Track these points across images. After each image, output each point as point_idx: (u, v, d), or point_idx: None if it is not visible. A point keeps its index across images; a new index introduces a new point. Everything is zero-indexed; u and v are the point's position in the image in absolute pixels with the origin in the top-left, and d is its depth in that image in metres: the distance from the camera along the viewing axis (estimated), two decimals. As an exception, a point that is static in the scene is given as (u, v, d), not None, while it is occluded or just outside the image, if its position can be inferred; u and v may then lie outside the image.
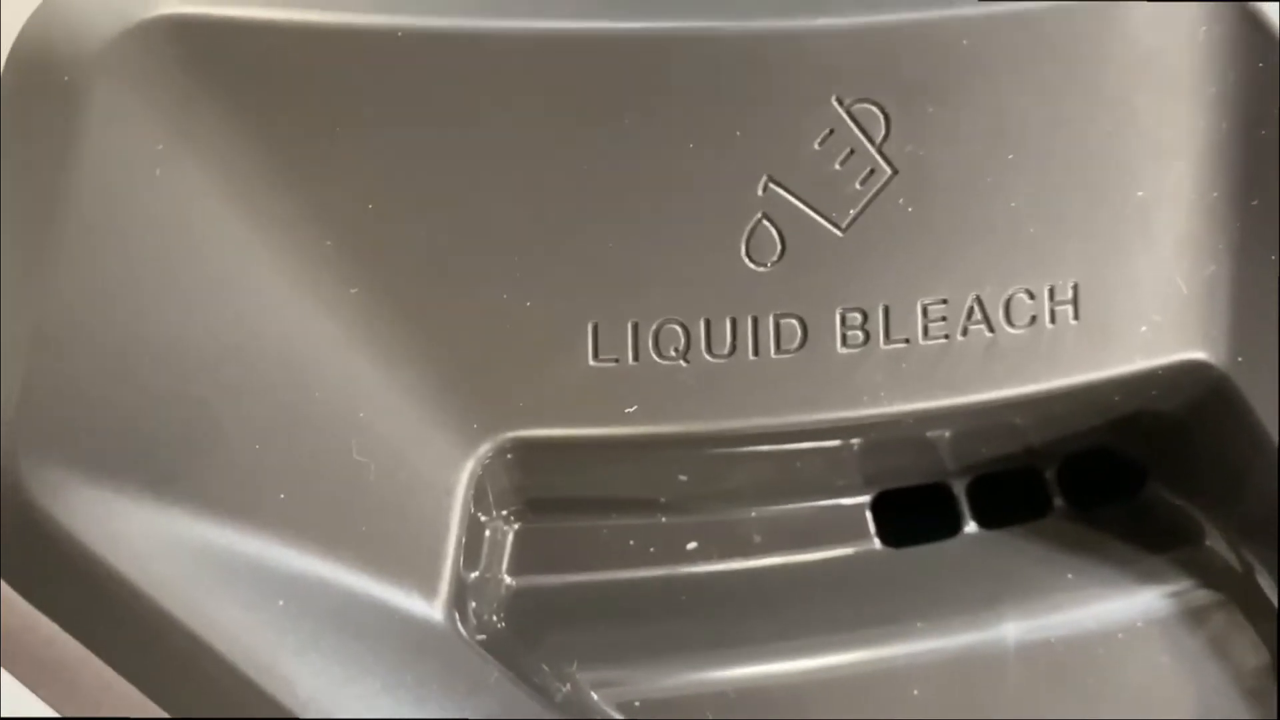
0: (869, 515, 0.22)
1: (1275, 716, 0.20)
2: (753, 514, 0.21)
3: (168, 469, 0.16)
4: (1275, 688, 0.21)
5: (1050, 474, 0.23)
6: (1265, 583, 0.21)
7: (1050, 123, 0.18)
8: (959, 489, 0.22)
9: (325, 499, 0.17)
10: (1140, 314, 0.19)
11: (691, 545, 0.21)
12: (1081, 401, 0.19)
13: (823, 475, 0.21)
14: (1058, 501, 0.22)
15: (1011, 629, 0.20)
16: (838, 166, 0.18)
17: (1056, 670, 0.20)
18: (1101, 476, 0.23)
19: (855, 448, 0.20)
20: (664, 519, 0.21)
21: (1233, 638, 0.21)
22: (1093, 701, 0.20)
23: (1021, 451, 0.22)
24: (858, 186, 0.18)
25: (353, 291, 0.17)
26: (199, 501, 0.16)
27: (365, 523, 0.17)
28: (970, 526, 0.22)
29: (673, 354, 0.18)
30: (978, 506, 0.22)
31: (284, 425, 0.17)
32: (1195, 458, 0.21)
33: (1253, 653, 0.21)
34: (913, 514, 0.22)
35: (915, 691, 0.19)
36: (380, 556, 0.17)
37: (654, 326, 0.17)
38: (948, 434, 0.20)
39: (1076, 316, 0.19)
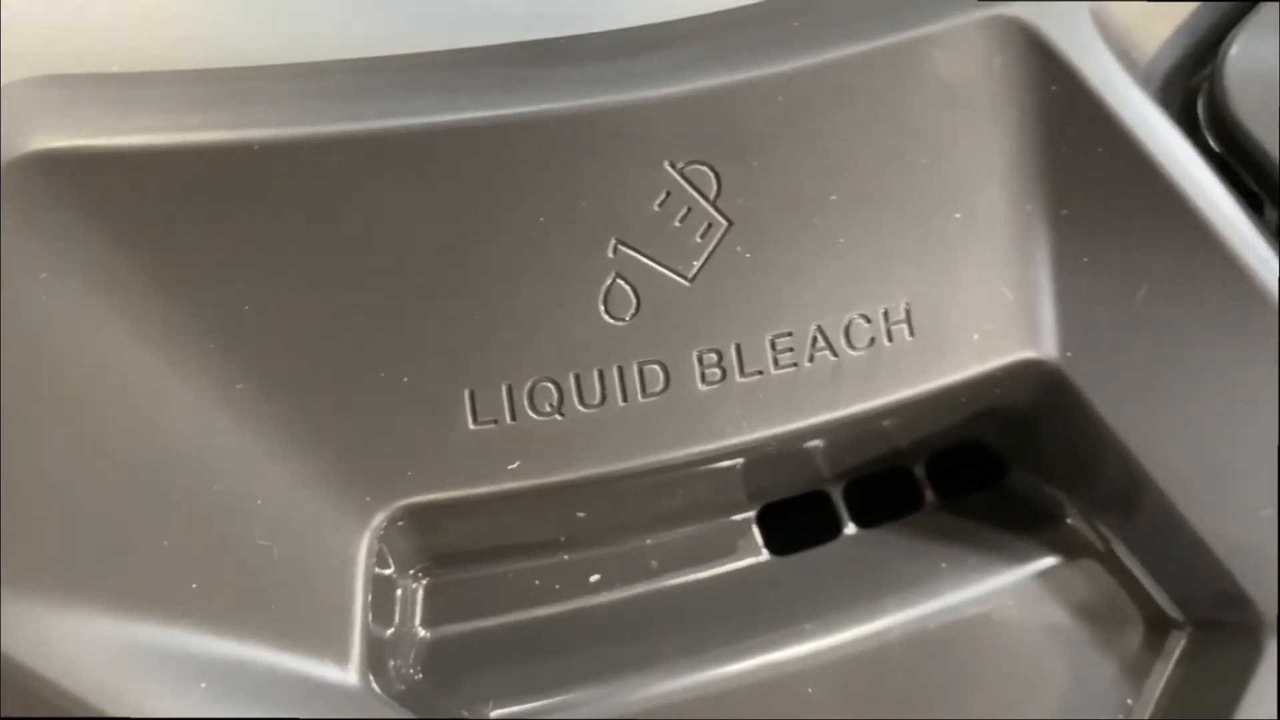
0: (756, 529, 0.23)
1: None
2: (649, 541, 0.22)
3: (84, 576, 0.17)
4: (1142, 641, 0.23)
5: (919, 471, 0.24)
6: (1121, 552, 0.23)
7: (868, 160, 0.20)
8: (836, 494, 0.24)
9: (234, 584, 0.18)
10: (971, 323, 0.20)
11: (594, 578, 0.22)
12: (931, 407, 0.21)
13: (708, 498, 0.22)
14: (929, 496, 0.24)
15: (893, 619, 0.22)
16: (678, 224, 0.19)
17: (938, 651, 0.22)
18: (968, 468, 0.24)
19: (734, 471, 0.21)
20: (566, 557, 0.22)
21: (1097, 603, 0.23)
22: (975, 675, 0.22)
23: (890, 453, 0.24)
24: (698, 240, 0.19)
25: (239, 388, 0.18)
26: (118, 602, 0.17)
27: (275, 601, 0.18)
28: (850, 528, 0.23)
29: (548, 409, 0.19)
30: (855, 508, 0.24)
31: (188, 521, 0.18)
32: (1047, 445, 0.23)
33: (1115, 614, 0.23)
34: (796, 522, 0.23)
35: (810, 689, 0.21)
36: (292, 631, 0.18)
37: (527, 386, 0.19)
38: (816, 448, 0.22)
39: (912, 333, 0.20)
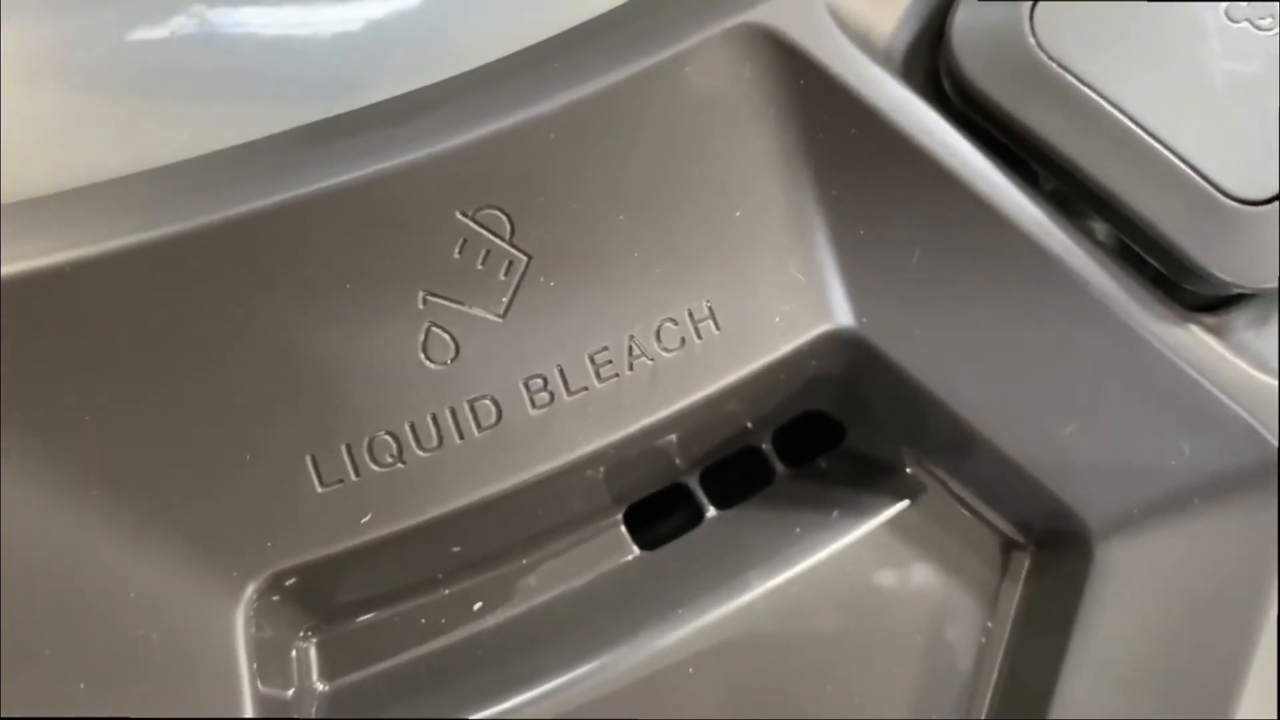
0: (624, 530, 0.24)
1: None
2: (524, 561, 0.24)
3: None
4: (991, 567, 0.24)
5: (766, 446, 0.26)
6: (958, 489, 0.24)
7: (647, 178, 0.21)
8: (694, 483, 0.25)
9: (120, 676, 0.18)
10: (771, 309, 0.22)
11: (477, 605, 0.23)
12: (754, 389, 0.22)
13: (572, 511, 0.23)
14: (779, 468, 0.25)
15: (758, 589, 0.23)
16: (480, 266, 0.20)
17: (805, 611, 0.23)
18: (810, 435, 0.26)
19: (589, 480, 0.23)
20: (446, 591, 0.23)
21: (945, 540, 0.24)
22: (843, 628, 0.23)
23: (736, 435, 0.25)
24: (502, 278, 0.20)
25: (94, 493, 0.19)
26: (13, 711, 0.18)
27: (163, 686, 0.19)
28: (711, 512, 0.25)
29: (389, 460, 0.20)
30: (713, 493, 0.25)
31: (67, 626, 0.18)
32: (872, 403, 0.24)
33: (964, 546, 0.24)
34: (661, 516, 0.25)
35: (691, 670, 0.22)
36: (183, 711, 0.19)
37: (366, 443, 0.20)
38: (662, 445, 0.23)
39: (718, 328, 0.21)
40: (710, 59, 0.21)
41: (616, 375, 0.21)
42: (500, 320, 0.20)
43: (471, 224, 0.20)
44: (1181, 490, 0.21)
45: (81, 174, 0.19)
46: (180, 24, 0.21)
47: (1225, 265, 0.20)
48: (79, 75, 0.20)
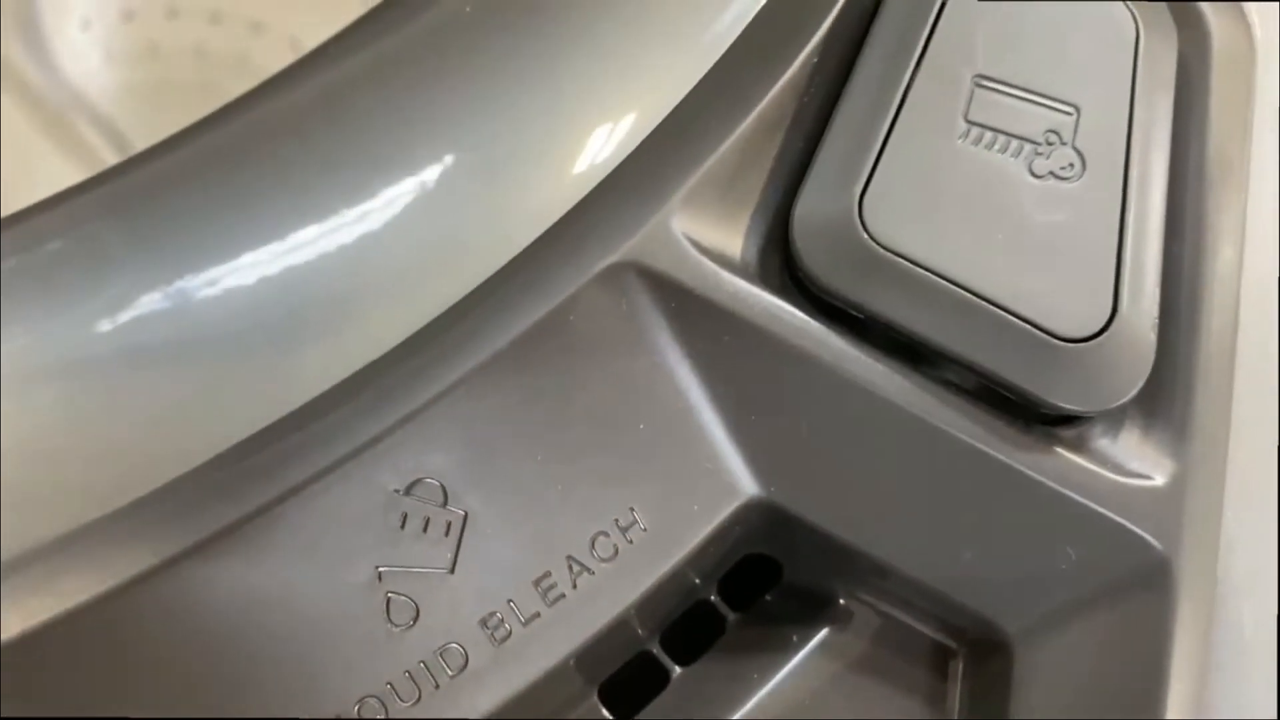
0: (600, 705, 0.27)
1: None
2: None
3: None
4: (933, 674, 0.27)
5: (715, 598, 0.28)
6: (889, 609, 0.26)
7: (556, 415, 0.23)
8: (655, 647, 0.27)
9: None
10: (689, 499, 0.24)
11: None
12: (691, 565, 0.25)
13: (552, 703, 0.26)
14: (730, 615, 0.28)
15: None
16: (424, 532, 0.22)
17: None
18: (752, 575, 0.28)
19: (560, 678, 0.25)
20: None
21: (888, 656, 0.26)
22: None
23: (686, 595, 0.27)
24: (445, 537, 0.23)
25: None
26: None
27: None
28: (676, 671, 0.27)
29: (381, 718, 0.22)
30: (674, 652, 0.27)
31: None
32: (798, 547, 0.27)
33: (904, 660, 0.27)
34: (632, 684, 0.27)
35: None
36: None
37: (355, 710, 0.22)
38: (620, 629, 0.25)
39: (645, 528, 0.24)
40: (590, 302, 0.23)
41: (563, 595, 0.23)
42: (450, 573, 0.22)
43: (407, 499, 0.22)
44: (1083, 593, 0.24)
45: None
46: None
47: (1068, 397, 0.23)
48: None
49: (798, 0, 0.25)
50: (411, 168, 0.23)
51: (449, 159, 0.24)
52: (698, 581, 0.27)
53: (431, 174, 0.23)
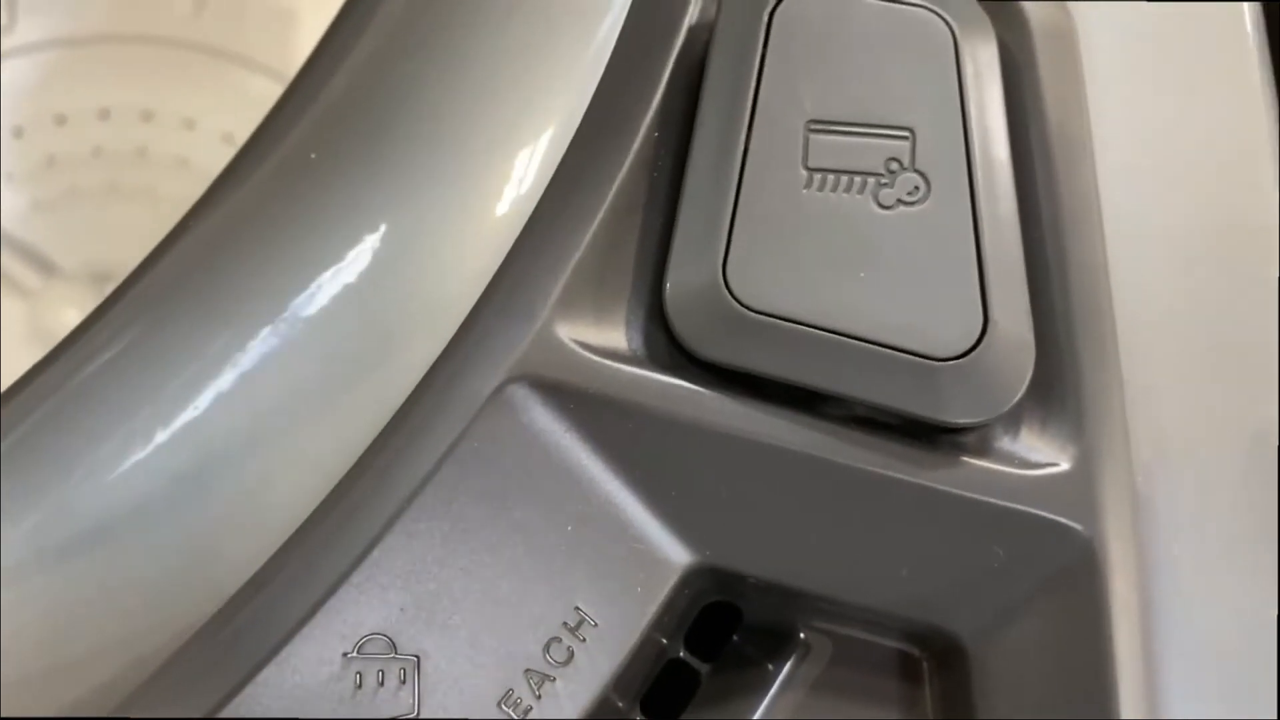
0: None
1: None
2: None
3: None
4: (905, 684, 0.27)
5: (684, 654, 0.28)
6: (850, 633, 0.27)
7: (484, 537, 0.24)
8: (637, 716, 0.28)
9: None
10: (630, 584, 0.24)
11: None
12: (651, 637, 0.25)
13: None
14: (701, 668, 0.28)
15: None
16: (381, 685, 0.23)
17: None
18: (715, 622, 0.29)
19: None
20: None
21: (860, 677, 0.27)
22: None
23: (655, 660, 0.28)
24: (402, 684, 0.23)
25: None
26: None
27: None
28: (659, 735, 0.28)
29: None
30: (656, 715, 0.28)
31: None
32: (749, 590, 0.27)
33: (879, 675, 0.27)
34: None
35: None
36: None
37: None
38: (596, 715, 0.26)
39: (595, 623, 0.24)
40: (491, 425, 0.24)
41: (530, 708, 0.24)
42: (415, 717, 0.23)
43: (358, 658, 0.23)
44: (1022, 586, 0.24)
45: None
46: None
47: (957, 413, 0.23)
48: None
49: (627, 80, 0.26)
50: (281, 338, 0.23)
51: (319, 313, 0.24)
52: (665, 642, 0.28)
53: (301, 340, 0.23)
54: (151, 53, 0.79)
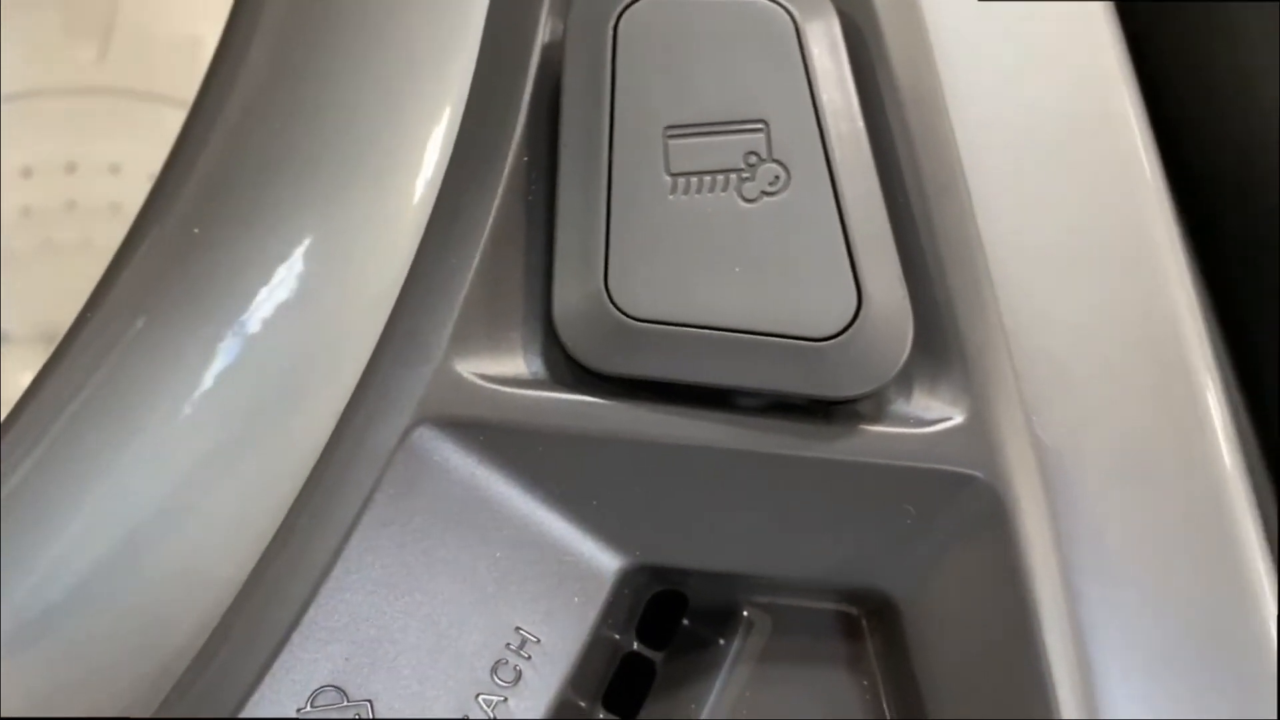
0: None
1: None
2: None
3: None
4: (849, 643, 0.28)
5: (637, 646, 0.29)
6: (788, 603, 0.28)
7: (420, 583, 0.24)
8: (601, 714, 0.29)
9: None
10: (567, 597, 0.25)
11: None
12: (598, 639, 0.26)
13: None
14: (655, 657, 0.29)
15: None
16: (338, 733, 0.24)
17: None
18: (663, 609, 0.30)
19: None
20: None
21: (806, 644, 0.28)
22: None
23: (609, 659, 0.29)
24: (359, 728, 0.24)
25: None
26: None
27: None
28: (625, 727, 0.29)
29: None
30: (618, 709, 0.29)
31: None
32: (687, 578, 0.28)
33: (825, 637, 0.28)
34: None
35: None
36: None
37: None
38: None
39: (538, 640, 0.25)
40: (405, 469, 0.24)
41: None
42: (379, 746, 0.24)
43: (312, 710, 0.23)
44: (938, 539, 0.25)
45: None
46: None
47: (845, 387, 0.24)
48: None
49: (489, 110, 0.26)
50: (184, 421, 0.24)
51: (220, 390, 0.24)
52: (617, 638, 0.29)
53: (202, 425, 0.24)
54: (64, 105, 0.79)
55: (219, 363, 0.24)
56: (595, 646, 0.27)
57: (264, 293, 0.25)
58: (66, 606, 0.24)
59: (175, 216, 0.26)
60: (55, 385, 0.23)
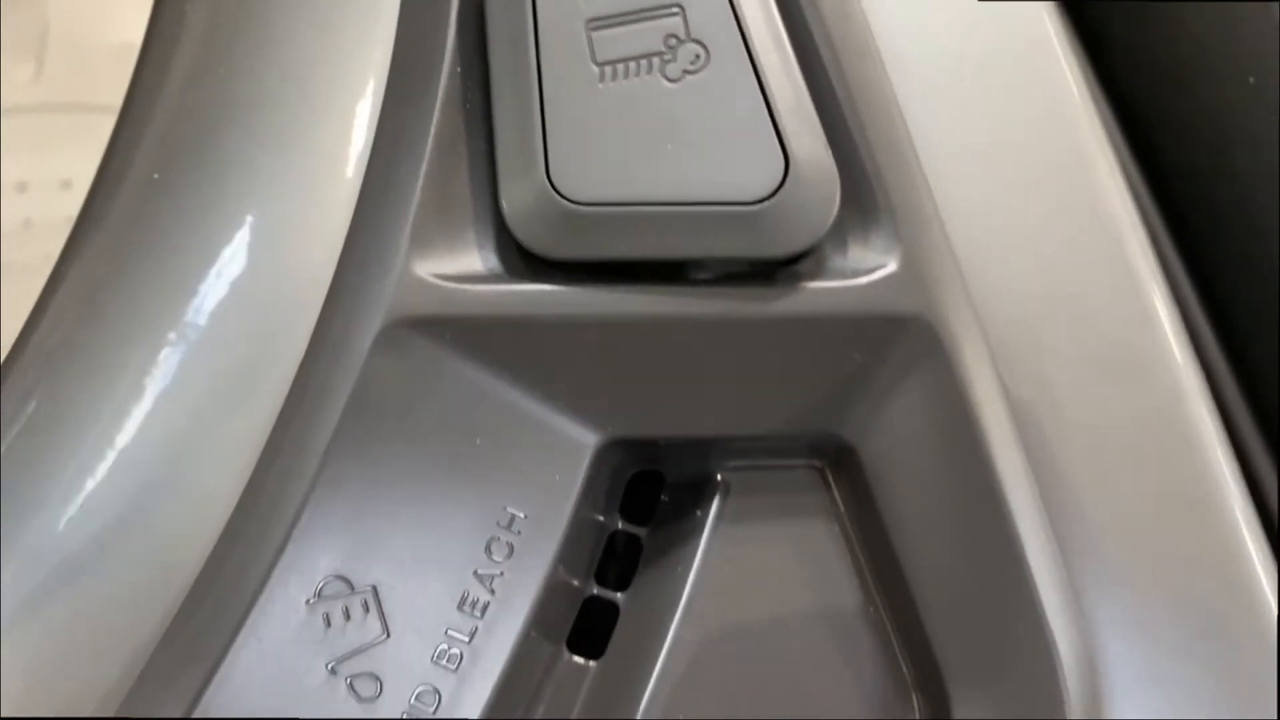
0: (573, 657, 0.30)
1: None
2: None
3: None
4: (816, 489, 0.30)
5: (621, 525, 0.31)
6: (756, 462, 0.29)
7: (403, 474, 0.26)
8: (593, 589, 0.30)
9: None
10: (550, 471, 0.27)
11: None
12: (585, 515, 0.28)
13: (534, 676, 0.29)
14: (640, 532, 0.31)
15: (687, 623, 0.29)
16: (348, 619, 0.25)
17: (732, 607, 0.29)
18: (642, 487, 0.31)
19: (525, 656, 0.28)
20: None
21: (779, 501, 0.30)
22: (762, 595, 0.29)
23: (596, 537, 0.30)
24: (367, 613, 0.25)
25: None
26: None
27: None
28: (619, 598, 0.30)
29: None
30: (611, 584, 0.30)
31: None
32: (660, 451, 0.30)
33: (794, 489, 0.30)
34: (590, 627, 0.30)
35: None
36: None
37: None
38: (552, 596, 0.28)
39: (526, 515, 0.27)
40: (380, 369, 0.26)
41: (488, 604, 0.26)
42: (388, 638, 0.25)
43: (321, 601, 0.25)
44: (886, 381, 0.27)
45: None
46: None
47: (782, 246, 0.25)
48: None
49: (420, 27, 0.27)
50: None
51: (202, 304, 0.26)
52: (602, 519, 0.30)
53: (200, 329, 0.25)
54: (6, 125, 0.78)
55: (199, 300, 0.26)
56: (582, 524, 0.28)
57: (228, 231, 0.26)
58: (82, 555, 0.25)
59: (136, 167, 0.27)
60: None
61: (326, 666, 0.24)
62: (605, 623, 0.30)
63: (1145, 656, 0.27)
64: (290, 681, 0.24)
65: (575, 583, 0.30)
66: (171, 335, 0.26)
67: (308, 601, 0.24)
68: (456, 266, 0.26)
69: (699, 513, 0.30)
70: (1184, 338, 0.28)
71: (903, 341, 0.26)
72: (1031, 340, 0.28)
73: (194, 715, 0.24)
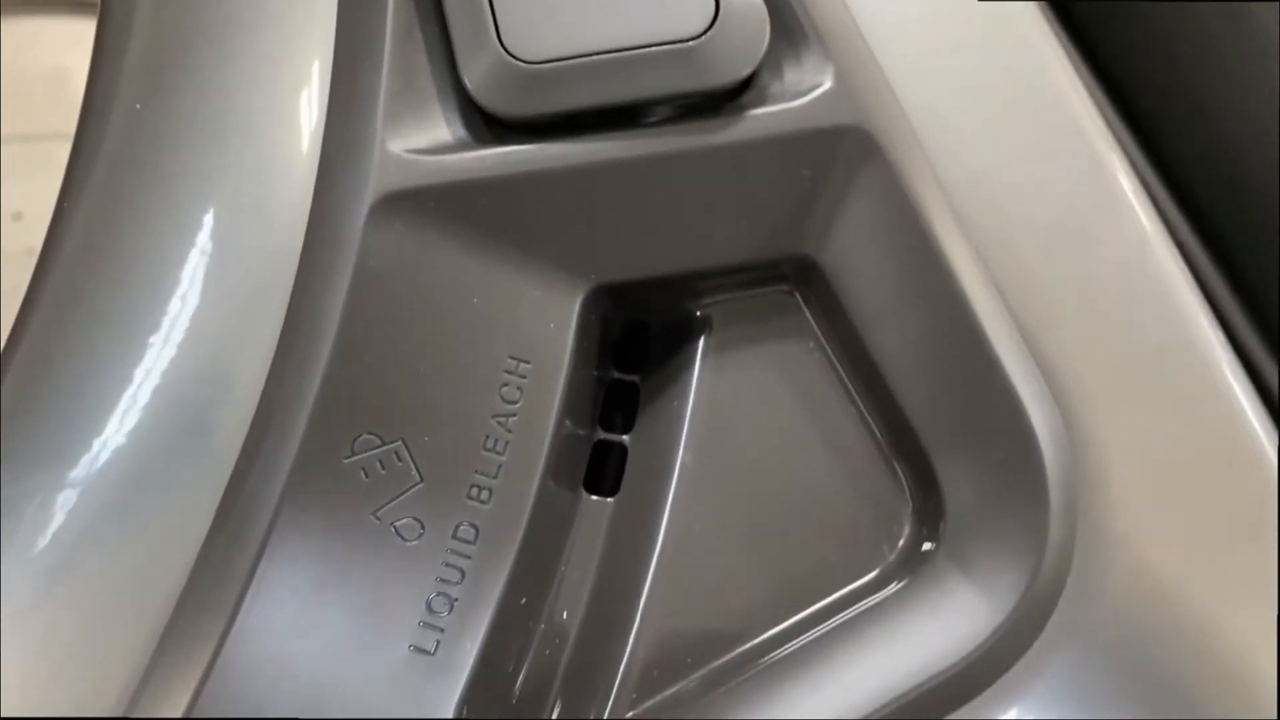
0: (590, 496, 0.32)
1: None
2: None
3: None
4: (790, 311, 0.32)
5: (618, 374, 0.33)
6: (730, 297, 0.32)
7: (415, 337, 0.28)
8: (600, 434, 0.33)
9: None
10: (543, 324, 0.29)
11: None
12: (582, 362, 0.30)
13: (560, 515, 0.31)
14: (634, 378, 0.33)
15: (694, 448, 0.31)
16: (383, 471, 0.27)
17: (732, 428, 0.31)
18: (633, 339, 0.33)
19: (548, 496, 0.30)
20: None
21: (751, 326, 0.32)
22: (759, 413, 0.31)
23: (597, 386, 0.33)
24: (399, 462, 0.27)
25: None
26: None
27: None
28: (626, 439, 0.33)
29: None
30: (616, 428, 0.33)
31: None
32: (643, 296, 0.32)
33: (766, 318, 0.32)
34: (604, 469, 0.32)
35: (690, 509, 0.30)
36: None
37: (427, 613, 0.27)
38: (565, 439, 0.31)
39: (530, 361, 0.29)
40: (375, 244, 0.28)
41: (508, 441, 0.28)
42: (422, 482, 0.27)
43: (354, 457, 0.27)
44: (837, 192, 0.29)
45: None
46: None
47: (722, 75, 0.27)
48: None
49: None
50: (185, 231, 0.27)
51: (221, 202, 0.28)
52: (597, 373, 0.33)
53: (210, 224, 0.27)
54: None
55: (201, 201, 0.28)
56: (581, 370, 0.31)
57: (215, 149, 0.28)
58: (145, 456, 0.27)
59: (120, 99, 0.29)
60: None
61: (372, 515, 0.27)
62: (616, 464, 0.33)
63: (1114, 423, 0.30)
64: (341, 538, 0.26)
65: (582, 432, 0.32)
66: (188, 236, 0.28)
67: (345, 459, 0.26)
68: (428, 141, 0.28)
69: (687, 349, 0.32)
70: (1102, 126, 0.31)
71: (845, 151, 0.29)
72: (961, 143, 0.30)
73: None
